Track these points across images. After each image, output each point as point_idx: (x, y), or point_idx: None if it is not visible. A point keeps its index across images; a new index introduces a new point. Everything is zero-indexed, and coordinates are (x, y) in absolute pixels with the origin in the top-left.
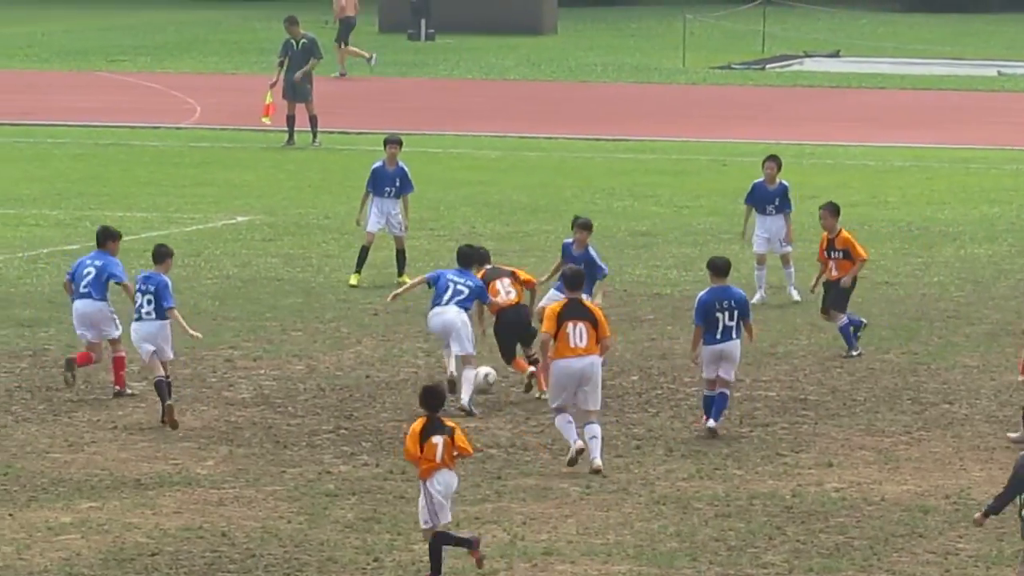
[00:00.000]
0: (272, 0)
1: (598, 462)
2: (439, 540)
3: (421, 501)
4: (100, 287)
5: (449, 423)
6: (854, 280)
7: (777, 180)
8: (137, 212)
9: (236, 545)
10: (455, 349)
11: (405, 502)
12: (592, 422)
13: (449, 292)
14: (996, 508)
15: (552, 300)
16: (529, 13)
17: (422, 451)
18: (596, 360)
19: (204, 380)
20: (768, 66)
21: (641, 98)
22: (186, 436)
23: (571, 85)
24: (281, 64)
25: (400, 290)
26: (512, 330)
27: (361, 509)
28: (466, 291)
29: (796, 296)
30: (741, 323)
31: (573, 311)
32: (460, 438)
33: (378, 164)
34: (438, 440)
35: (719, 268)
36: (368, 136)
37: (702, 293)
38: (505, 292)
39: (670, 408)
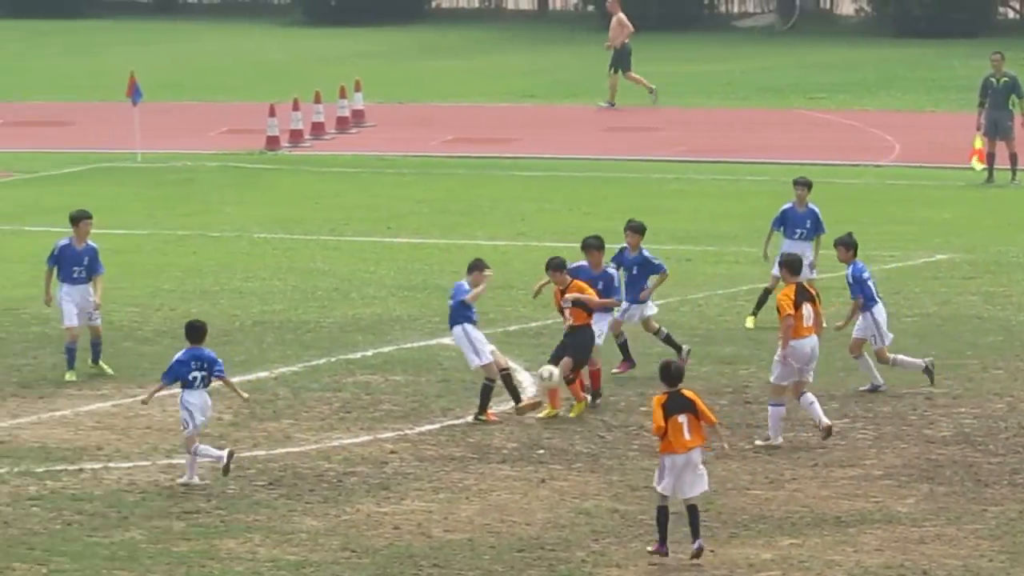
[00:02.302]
0: (976, 38)
1: (826, 420)
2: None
3: None
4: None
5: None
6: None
7: None
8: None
9: None
10: None
11: None
12: (805, 392)
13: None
14: None
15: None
16: None
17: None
18: (817, 339)
19: (904, 418)
20: None
21: None
22: (887, 474)
23: None
24: (981, 104)
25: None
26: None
27: None
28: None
29: None
30: None
31: (804, 294)
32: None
33: (788, 205)
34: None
35: None
36: None
37: None
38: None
39: None
